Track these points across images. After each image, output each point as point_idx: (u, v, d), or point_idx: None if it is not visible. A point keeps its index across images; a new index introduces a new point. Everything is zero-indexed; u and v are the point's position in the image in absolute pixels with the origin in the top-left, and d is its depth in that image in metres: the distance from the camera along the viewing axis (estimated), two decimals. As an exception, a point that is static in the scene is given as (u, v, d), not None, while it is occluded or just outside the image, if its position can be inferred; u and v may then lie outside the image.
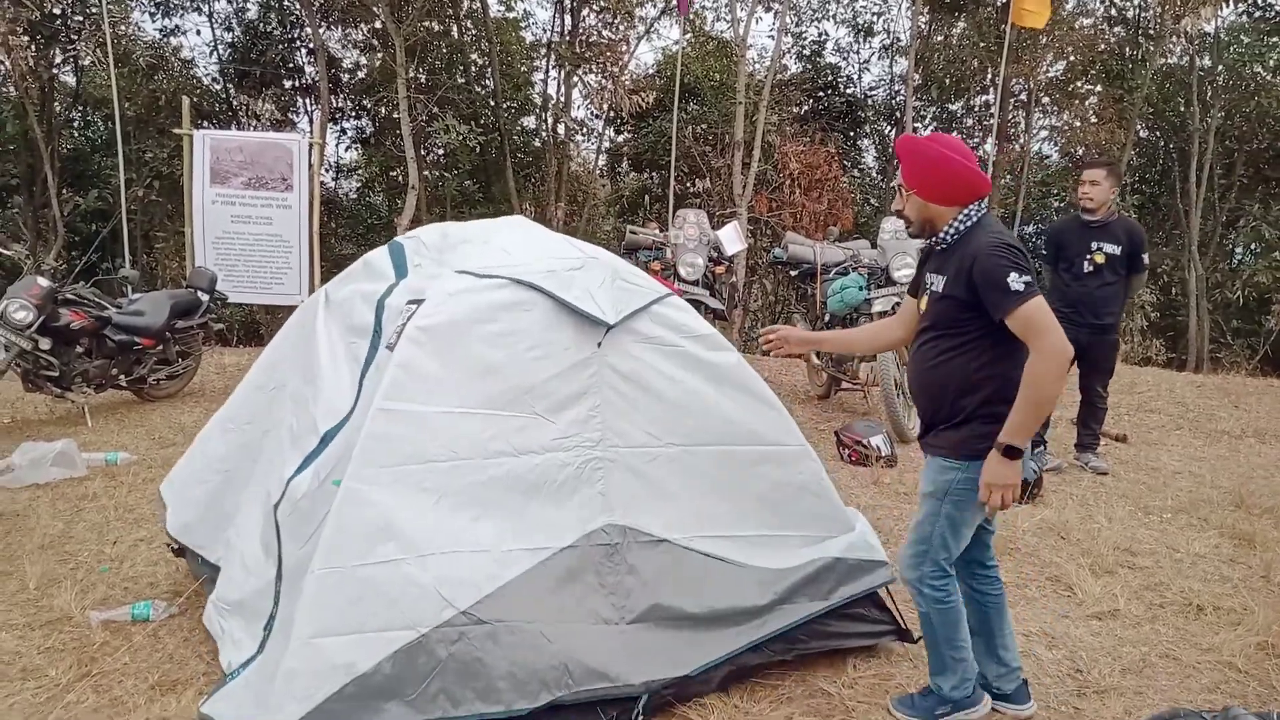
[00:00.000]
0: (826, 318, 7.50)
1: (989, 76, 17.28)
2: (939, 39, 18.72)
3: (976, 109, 19.14)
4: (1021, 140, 17.91)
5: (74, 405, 6.49)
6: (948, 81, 18.10)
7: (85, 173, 16.20)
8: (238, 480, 3.49)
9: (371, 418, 2.60)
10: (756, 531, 3.03)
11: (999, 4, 16.28)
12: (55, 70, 14.34)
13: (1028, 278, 2.42)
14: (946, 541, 2.68)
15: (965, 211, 2.62)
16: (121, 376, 6.69)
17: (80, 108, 16.76)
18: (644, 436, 2.88)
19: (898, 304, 6.77)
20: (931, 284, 2.70)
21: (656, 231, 7.18)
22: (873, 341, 3.26)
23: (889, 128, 20.30)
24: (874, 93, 20.41)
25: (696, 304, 6.76)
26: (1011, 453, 2.46)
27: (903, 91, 18.16)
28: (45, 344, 5.98)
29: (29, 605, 3.63)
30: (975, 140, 19.20)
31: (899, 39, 19.52)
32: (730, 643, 2.87)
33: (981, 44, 16.57)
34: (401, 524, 2.55)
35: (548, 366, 2.77)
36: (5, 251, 6.38)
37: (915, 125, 18.62)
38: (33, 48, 12.22)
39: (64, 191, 14.96)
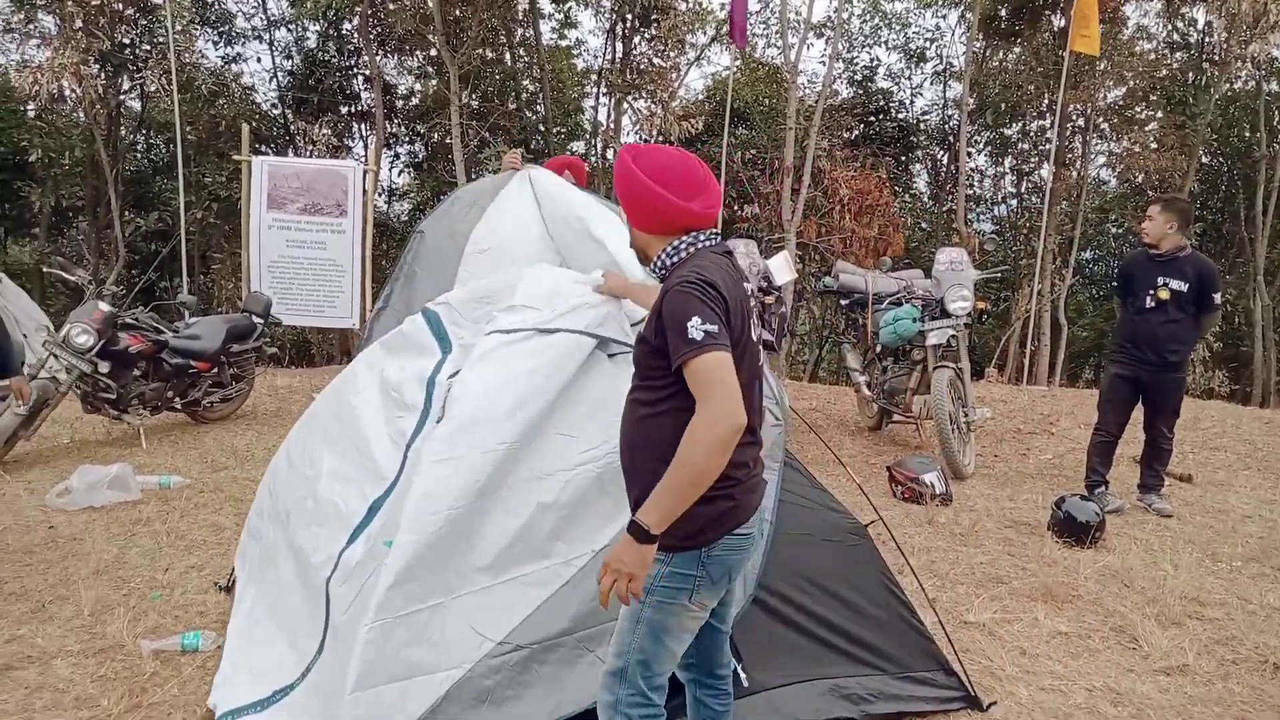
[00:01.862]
0: (878, 348, 7.38)
1: (1045, 102, 16.99)
2: (994, 64, 18.50)
3: (1032, 134, 18.84)
4: (1079, 166, 17.57)
5: (130, 427, 6.60)
6: (1003, 106, 17.86)
7: (147, 195, 16.67)
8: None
9: (421, 476, 2.68)
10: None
11: (1056, 30, 16.06)
12: (122, 96, 14.80)
13: (712, 326, 1.94)
14: (648, 656, 2.14)
15: (673, 244, 2.17)
16: (177, 399, 6.81)
17: (144, 132, 17.27)
18: None
19: (954, 337, 6.65)
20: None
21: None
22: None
23: (942, 152, 20.08)
24: (926, 117, 20.22)
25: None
26: (639, 533, 1.94)
27: (956, 116, 17.94)
28: (104, 367, 6.11)
29: (83, 631, 3.66)
30: (1031, 165, 18.90)
31: (952, 64, 19.34)
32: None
33: (1039, 69, 16.32)
34: (442, 569, 2.61)
35: (570, 390, 2.85)
36: (69, 276, 6.55)
37: (969, 150, 18.39)
38: (102, 76, 12.63)
39: (126, 213, 15.40)
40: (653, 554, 1.98)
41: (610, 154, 17.27)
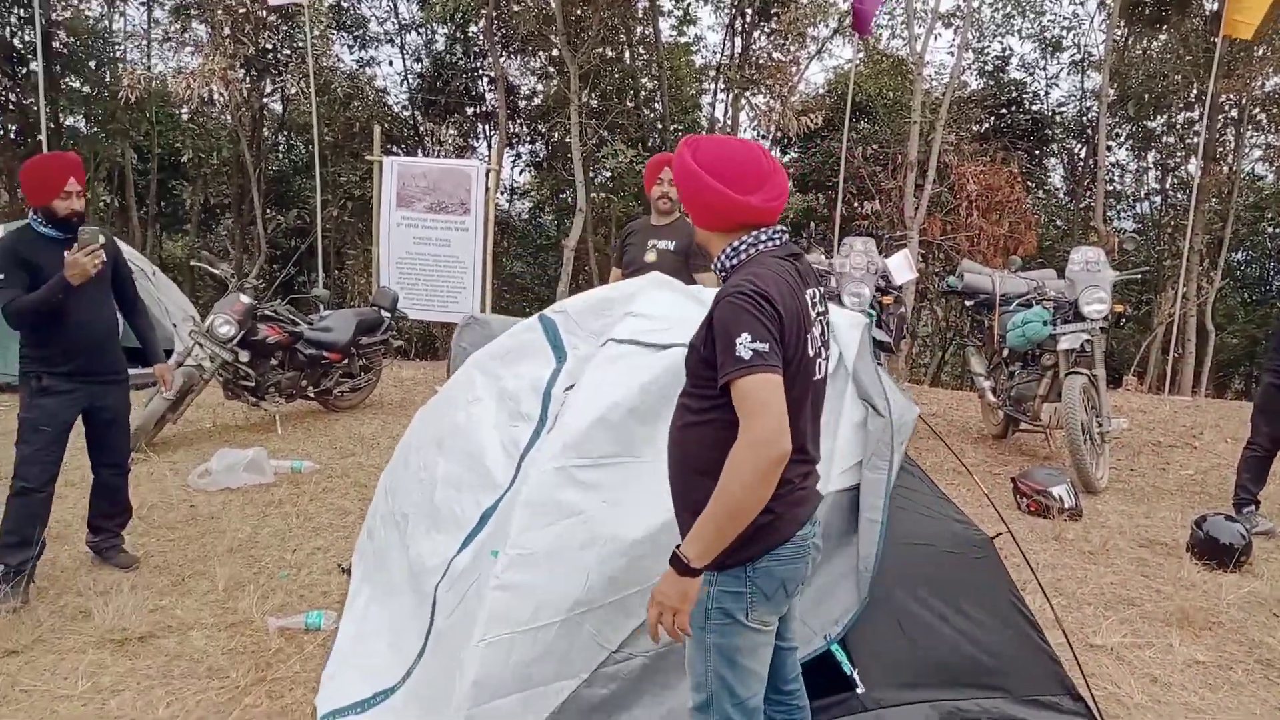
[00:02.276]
0: (1005, 352, 7.06)
1: (1194, 92, 15.91)
2: (1137, 52, 17.44)
3: (1179, 126, 17.67)
4: (1230, 160, 16.37)
5: (266, 414, 6.98)
6: (1146, 97, 16.81)
7: (287, 193, 17.64)
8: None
9: (532, 485, 2.66)
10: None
11: (1207, 15, 15.00)
12: (265, 100, 15.68)
13: (762, 344, 1.81)
14: (728, 684, 2.01)
15: (733, 244, 2.03)
16: (310, 388, 7.15)
17: (285, 133, 18.26)
18: None
19: (1088, 341, 6.29)
20: None
21: (821, 258, 6.98)
22: None
23: (1079, 146, 19.08)
24: (1063, 109, 19.24)
25: (862, 336, 6.52)
26: (680, 565, 1.87)
27: (1095, 108, 17.00)
28: (244, 356, 6.48)
29: (217, 606, 3.89)
30: (1177, 159, 17.73)
31: (1091, 53, 18.33)
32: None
33: (1187, 57, 15.29)
34: (559, 585, 2.56)
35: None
36: (213, 270, 6.97)
37: (1109, 144, 17.40)
38: (247, 80, 13.41)
39: (267, 210, 16.32)
40: (697, 586, 1.90)
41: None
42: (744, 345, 1.81)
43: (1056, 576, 4.40)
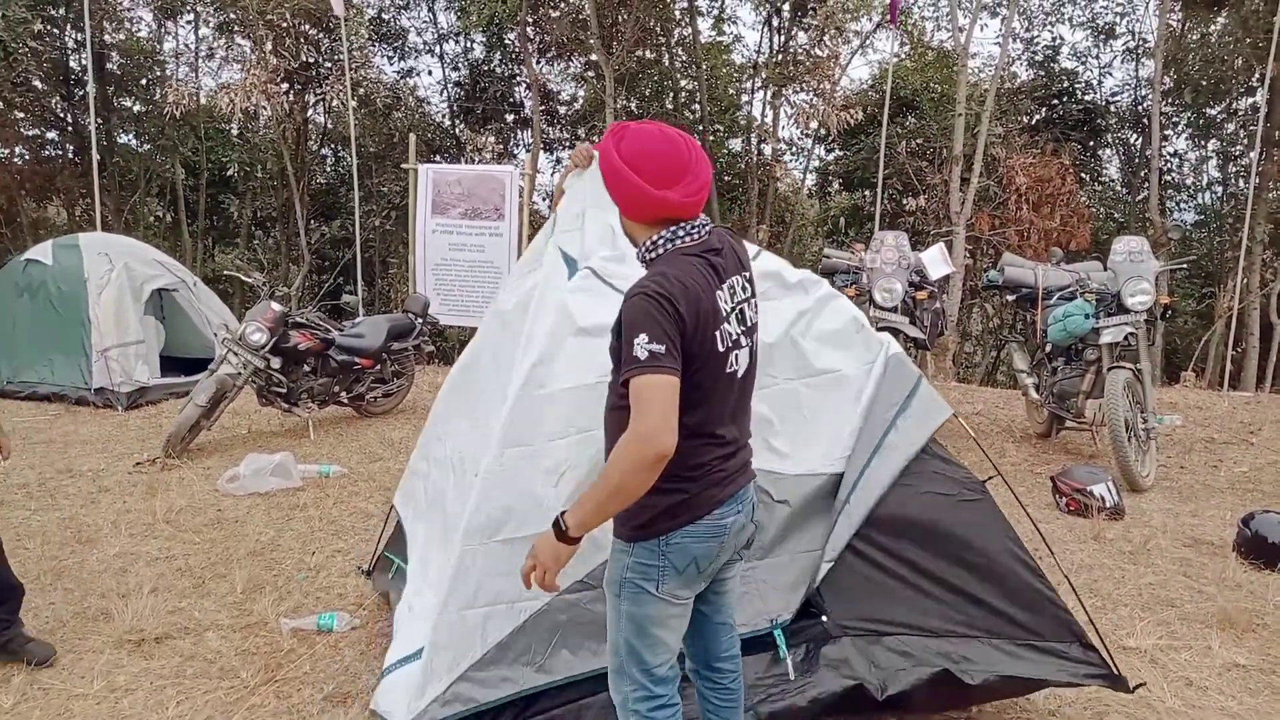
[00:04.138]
0: (1047, 347, 6.83)
1: (1256, 76, 15.30)
2: (1194, 38, 16.85)
3: (1241, 113, 17.01)
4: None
5: (300, 419, 7.06)
6: (1204, 84, 16.23)
7: (332, 204, 17.96)
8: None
9: (509, 407, 2.78)
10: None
11: (1269, -6, 14.43)
12: (309, 112, 16.00)
13: (658, 345, 1.86)
14: (637, 651, 2.11)
15: (652, 239, 2.05)
16: (342, 394, 7.22)
17: (330, 145, 18.60)
18: None
19: (1131, 334, 6.05)
20: None
21: (855, 254, 6.83)
22: None
23: (1135, 136, 18.50)
24: (1116, 99, 18.68)
25: (894, 332, 6.35)
26: (558, 530, 1.96)
27: (1150, 96, 16.47)
28: (276, 363, 6.57)
29: (234, 608, 3.92)
30: (1240, 148, 17.07)
31: (1145, 40, 17.77)
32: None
33: (1247, 40, 14.71)
34: (522, 503, 2.72)
35: None
36: (246, 279, 7.08)
37: (1166, 133, 16.85)
38: (290, 93, 13.68)
39: (312, 221, 16.62)
40: (569, 554, 1.99)
41: (768, 150, 17.03)
42: (641, 345, 1.87)
43: (1092, 578, 4.21)
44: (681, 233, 2.04)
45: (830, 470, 2.85)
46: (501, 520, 2.74)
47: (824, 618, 2.61)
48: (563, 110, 17.71)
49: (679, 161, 2.02)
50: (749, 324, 2.14)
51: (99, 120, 14.47)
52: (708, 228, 2.09)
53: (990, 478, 2.82)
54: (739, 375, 2.10)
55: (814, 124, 15.12)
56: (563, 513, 1.98)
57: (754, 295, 2.18)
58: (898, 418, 2.90)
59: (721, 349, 2.01)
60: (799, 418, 2.93)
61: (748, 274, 2.17)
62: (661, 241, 2.05)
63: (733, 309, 2.07)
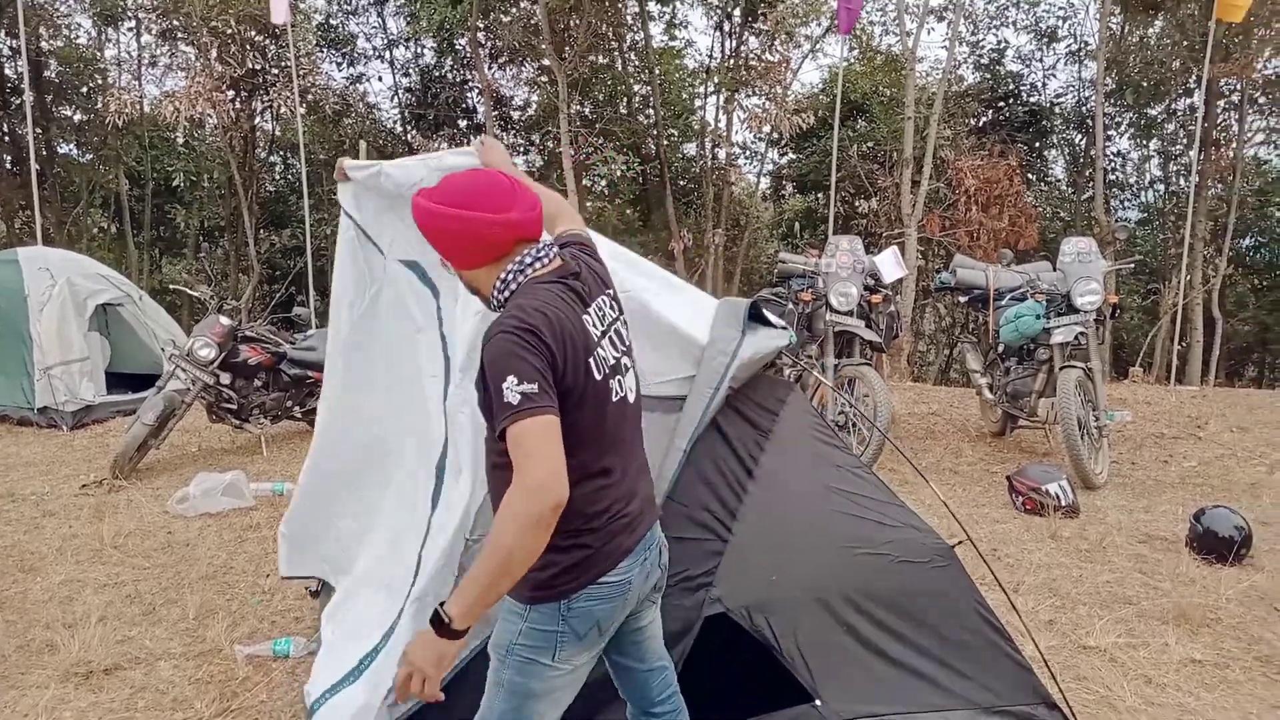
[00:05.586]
0: (1000, 348, 6.94)
1: (1193, 77, 15.73)
2: (1134, 40, 17.28)
3: (1179, 113, 17.49)
4: (1233, 146, 16.17)
5: (252, 436, 6.90)
6: (1145, 85, 16.65)
7: (283, 213, 17.64)
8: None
9: (456, 426, 2.74)
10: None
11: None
12: (257, 120, 15.71)
13: (530, 385, 1.68)
14: None
15: (501, 276, 1.89)
16: (296, 408, 7.07)
17: (280, 153, 18.28)
18: None
19: (1081, 334, 6.16)
20: None
21: (811, 258, 6.87)
22: None
23: (1080, 137, 18.92)
24: (1061, 100, 19.08)
25: (850, 336, 6.41)
26: (439, 624, 1.69)
27: (1093, 98, 16.86)
28: (226, 378, 6.42)
29: (186, 635, 3.80)
30: (1180, 147, 17.54)
31: (1087, 42, 18.18)
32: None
33: (1184, 42, 15.13)
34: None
35: None
36: (192, 292, 6.91)
37: (1109, 133, 17.24)
38: (236, 101, 13.41)
39: (261, 231, 16.32)
40: (455, 651, 1.72)
41: (722, 154, 17.10)
42: (511, 389, 1.68)
43: (1050, 577, 4.26)
44: (529, 259, 1.89)
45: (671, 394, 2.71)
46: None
47: (816, 702, 2.48)
48: (516, 116, 17.62)
49: (502, 184, 1.89)
50: (625, 345, 1.99)
51: (38, 130, 14.07)
52: (555, 249, 1.95)
53: (959, 542, 2.80)
54: (629, 401, 1.96)
55: (767, 128, 15.22)
56: (442, 603, 1.71)
57: (623, 314, 2.04)
58: (732, 362, 2.73)
59: (600, 377, 1.85)
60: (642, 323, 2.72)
61: (611, 291, 2.03)
62: (511, 276, 1.88)
63: (604, 332, 1.92)
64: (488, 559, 1.66)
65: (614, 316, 1.98)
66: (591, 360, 1.83)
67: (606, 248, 3.07)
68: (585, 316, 1.87)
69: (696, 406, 2.67)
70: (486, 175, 1.92)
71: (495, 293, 1.90)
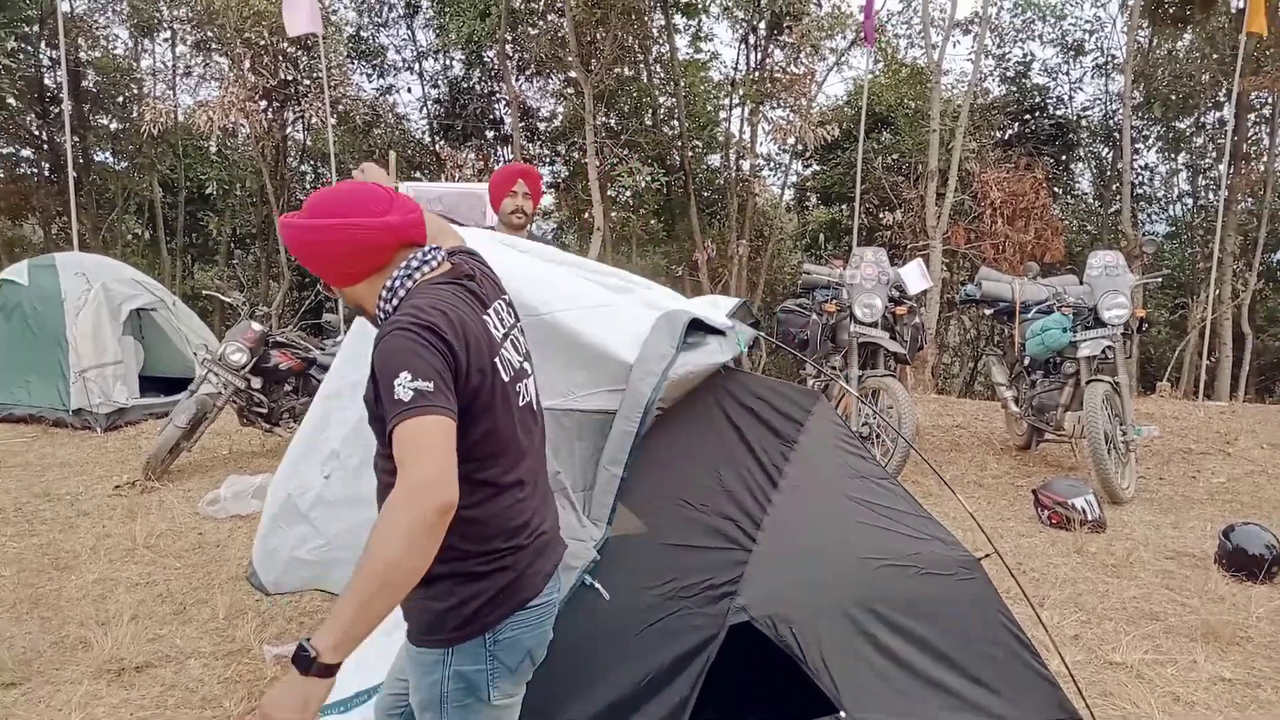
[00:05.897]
0: (1025, 361, 6.91)
1: (1223, 91, 15.60)
2: (1162, 53, 17.16)
3: (1208, 126, 17.34)
4: (1264, 159, 16.01)
5: (281, 439, 6.99)
6: (1173, 98, 16.53)
7: (314, 222, 17.82)
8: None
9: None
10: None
11: (1233, 12, 14.75)
12: (288, 130, 15.95)
13: (425, 383, 1.53)
14: None
15: (387, 284, 1.73)
16: (323, 413, 7.14)
17: (310, 162, 18.53)
18: None
19: (1109, 348, 6.13)
20: None
21: (835, 269, 6.89)
22: None
23: (1106, 150, 18.80)
24: (1088, 113, 18.97)
25: (874, 347, 6.40)
26: (303, 662, 1.45)
27: (1120, 111, 16.75)
28: (257, 383, 6.51)
29: (216, 635, 3.87)
30: (1209, 160, 17.38)
31: (1115, 56, 18.08)
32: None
33: (1214, 56, 15.01)
34: None
35: None
36: (225, 299, 7.03)
37: (1137, 146, 17.11)
38: (268, 111, 13.63)
39: (293, 239, 16.52)
40: (323, 693, 1.47)
41: (746, 166, 17.14)
42: (403, 386, 1.53)
43: (1076, 591, 4.24)
44: (416, 262, 1.74)
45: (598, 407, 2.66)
46: None
47: (841, 714, 2.44)
48: (543, 127, 17.76)
49: (375, 191, 1.77)
50: (524, 351, 1.89)
51: (75, 138, 14.36)
52: (444, 254, 1.81)
53: (986, 555, 2.80)
54: (533, 409, 1.87)
55: (791, 140, 15.26)
56: (307, 639, 1.46)
57: (519, 320, 1.93)
58: (662, 382, 2.63)
59: (507, 378, 1.75)
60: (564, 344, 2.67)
61: (507, 298, 1.91)
62: (398, 282, 1.72)
63: (505, 335, 1.81)
64: (364, 577, 1.43)
65: (512, 322, 1.88)
66: (497, 361, 1.73)
67: (542, 250, 3.08)
68: (485, 318, 1.76)
69: (623, 431, 2.59)
70: (358, 184, 1.82)
71: (381, 303, 1.74)
